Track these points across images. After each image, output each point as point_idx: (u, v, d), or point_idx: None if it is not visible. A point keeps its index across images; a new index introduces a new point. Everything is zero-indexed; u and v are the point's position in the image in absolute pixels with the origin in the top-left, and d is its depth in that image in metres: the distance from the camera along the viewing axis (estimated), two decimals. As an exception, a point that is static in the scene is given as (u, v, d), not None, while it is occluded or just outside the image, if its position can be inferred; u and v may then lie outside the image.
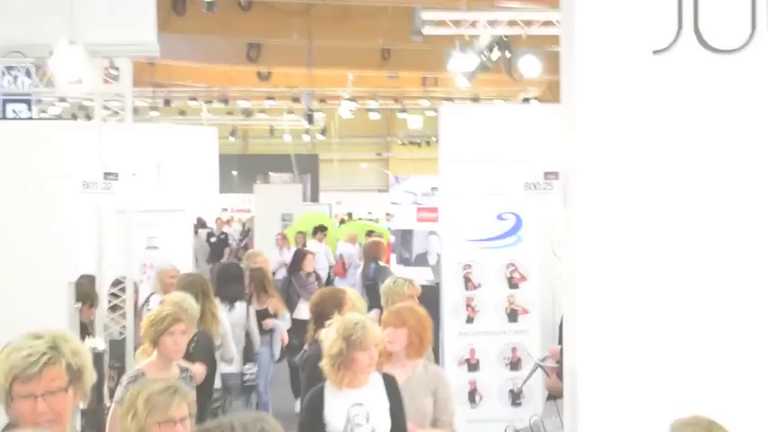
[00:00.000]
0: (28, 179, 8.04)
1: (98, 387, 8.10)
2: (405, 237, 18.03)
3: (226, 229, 31.48)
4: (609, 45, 5.69)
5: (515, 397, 11.79)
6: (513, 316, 11.86)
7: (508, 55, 19.04)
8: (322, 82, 33.53)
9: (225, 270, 11.96)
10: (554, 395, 9.73)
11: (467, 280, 11.88)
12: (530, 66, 19.70)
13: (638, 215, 5.68)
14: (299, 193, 32.13)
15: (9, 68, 11.88)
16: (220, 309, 10.96)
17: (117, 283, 11.38)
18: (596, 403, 5.71)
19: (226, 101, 36.30)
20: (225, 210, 37.72)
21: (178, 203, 15.70)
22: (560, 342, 8.38)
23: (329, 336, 6.38)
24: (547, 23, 16.33)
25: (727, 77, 5.68)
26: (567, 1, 5.95)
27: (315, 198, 44.08)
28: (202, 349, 8.46)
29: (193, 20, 25.55)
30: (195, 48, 29.78)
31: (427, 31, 17.27)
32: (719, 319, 5.66)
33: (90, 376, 4.28)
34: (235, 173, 48.18)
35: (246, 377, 10.98)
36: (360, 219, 36.59)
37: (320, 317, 8.17)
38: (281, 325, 12.80)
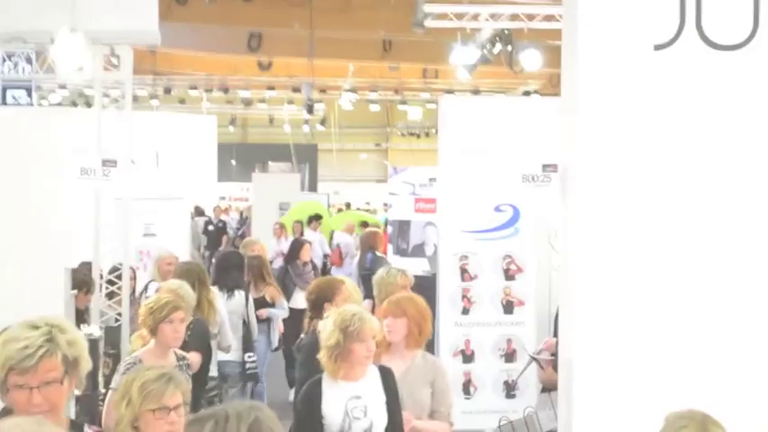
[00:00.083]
0: (26, 165, 8.02)
1: (93, 374, 8.11)
2: (402, 227, 18.03)
3: (224, 217, 31.49)
4: (610, 39, 5.68)
5: (510, 389, 11.81)
6: (508, 307, 11.87)
7: (509, 48, 19.05)
8: (322, 72, 33.51)
9: (225, 258, 11.94)
10: (548, 388, 9.74)
11: (463, 271, 11.89)
12: (531, 59, 19.73)
13: (636, 209, 5.68)
14: (298, 183, 32.13)
15: (10, 55, 11.89)
16: (219, 297, 10.97)
17: (114, 270, 11.39)
18: (591, 396, 5.71)
19: (226, 90, 36.30)
20: (223, 198, 37.72)
21: (176, 191, 15.71)
22: (556, 334, 8.39)
23: (326, 327, 6.35)
24: (548, 17, 16.33)
25: (728, 74, 5.67)
26: (569, -6, 5.96)
27: (313, 188, 44.14)
28: (197, 337, 8.46)
29: (195, 9, 25.54)
30: (196, 37, 29.75)
31: (429, 23, 17.27)
32: (716, 313, 5.66)
33: (86, 365, 4.28)
34: (233, 162, 48.19)
35: (248, 365, 10.98)
36: (358, 209, 36.62)
37: (317, 306, 8.18)
38: (279, 314, 12.80)
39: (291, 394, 13.82)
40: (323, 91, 37.44)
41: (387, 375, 6.49)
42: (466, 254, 11.86)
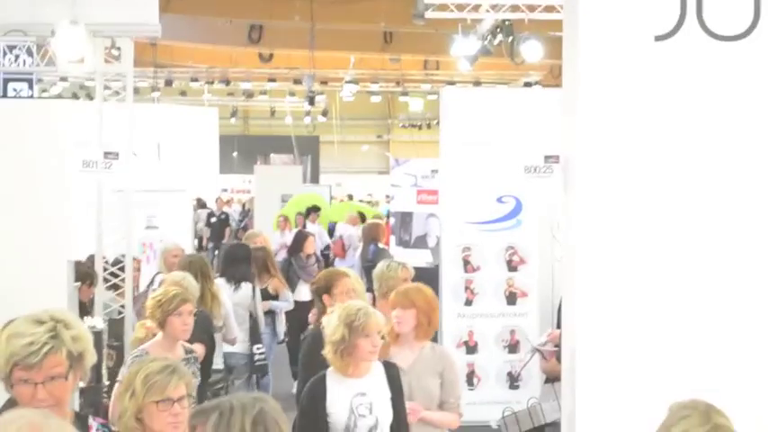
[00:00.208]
0: (28, 158, 8.02)
1: (97, 366, 8.11)
2: (404, 219, 18.05)
3: (226, 209, 31.49)
4: (611, 31, 5.68)
5: (513, 379, 11.84)
6: (511, 299, 11.90)
7: (510, 39, 19.02)
8: (324, 64, 33.48)
9: (232, 250, 11.92)
10: (551, 378, 9.75)
11: (466, 262, 11.92)
12: (532, 50, 19.68)
13: (637, 200, 5.68)
14: (299, 175, 32.08)
15: (11, 47, 11.88)
16: (225, 289, 10.97)
17: (117, 262, 11.40)
18: (594, 386, 5.72)
19: (227, 82, 36.24)
20: (225, 190, 37.70)
21: (178, 183, 15.70)
22: (559, 325, 8.40)
23: (331, 322, 6.28)
24: (549, 8, 16.27)
25: (729, 64, 5.67)
26: (570, -15, 5.95)
27: (315, 180, 44.08)
28: (200, 329, 8.44)
29: (195, 0, 25.54)
30: (197, 28, 29.74)
31: (429, 14, 17.22)
32: (718, 304, 5.66)
33: (90, 358, 4.29)
34: (235, 154, 48.16)
35: (257, 357, 10.97)
36: (360, 201, 36.62)
37: (317, 297, 8.18)
38: (281, 306, 12.79)
39: (294, 386, 13.87)
40: (324, 83, 37.38)
41: (391, 371, 6.46)
42: (468, 245, 11.89)
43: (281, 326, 12.91)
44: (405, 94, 39.35)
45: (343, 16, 27.79)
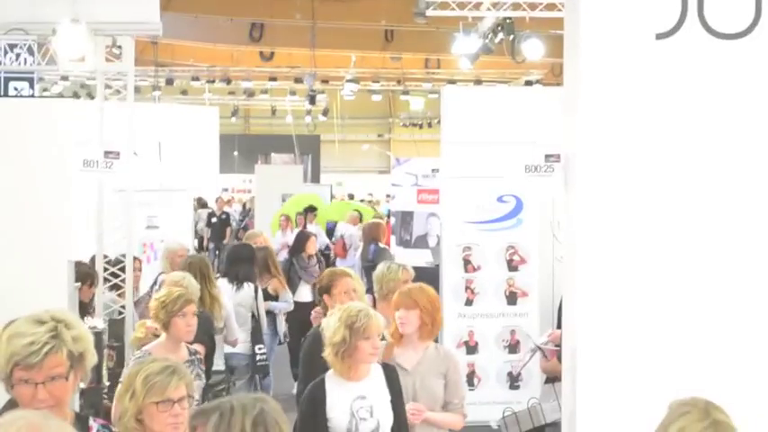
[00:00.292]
0: (29, 157, 8.02)
1: (97, 367, 8.09)
2: (405, 218, 18.04)
3: (227, 209, 31.47)
4: (612, 29, 5.67)
5: (514, 379, 11.83)
6: (512, 298, 11.90)
7: (511, 38, 19.02)
8: (324, 63, 33.46)
9: (235, 250, 11.93)
10: (551, 378, 9.75)
11: (466, 262, 11.91)
12: (533, 48, 19.69)
13: (638, 199, 5.68)
14: (300, 174, 32.08)
15: (11, 46, 11.88)
16: (228, 289, 10.98)
17: (118, 262, 11.38)
18: (595, 386, 5.71)
19: (228, 81, 36.22)
20: (225, 190, 37.69)
21: (178, 183, 15.68)
22: (559, 325, 8.39)
23: (330, 324, 6.25)
24: (550, 6, 16.28)
25: (730, 62, 5.67)
26: (571, -16, 5.95)
27: (316, 179, 44.06)
28: (201, 331, 8.43)
29: (197, -1, 25.56)
30: (198, 27, 29.74)
31: (430, 12, 17.23)
32: (719, 303, 5.66)
33: (91, 359, 4.28)
34: (236, 153, 48.16)
35: (258, 358, 10.97)
36: (362, 200, 36.59)
37: (319, 297, 8.17)
38: (280, 307, 12.78)
39: (295, 386, 13.86)
40: (325, 81, 37.37)
41: (390, 373, 6.43)
42: (469, 245, 11.89)
43: (281, 327, 12.90)
44: (406, 92, 39.32)
45: (344, 15, 27.80)
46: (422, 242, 17.52)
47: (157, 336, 8.39)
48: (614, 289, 5.68)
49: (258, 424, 3.47)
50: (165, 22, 11.67)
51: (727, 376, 5.49)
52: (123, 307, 11.14)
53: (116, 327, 10.37)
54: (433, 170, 17.89)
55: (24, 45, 11.82)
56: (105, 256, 11.44)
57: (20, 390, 4.10)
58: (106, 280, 11.31)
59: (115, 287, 11.42)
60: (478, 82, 32.36)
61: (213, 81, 36.53)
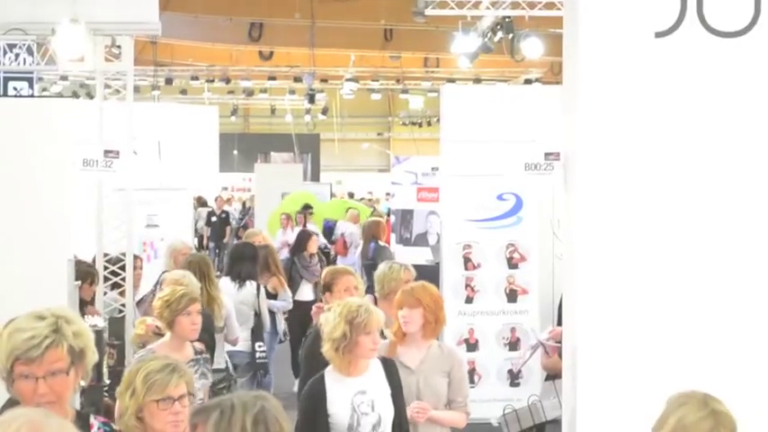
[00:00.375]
0: (29, 157, 8.02)
1: (98, 365, 8.09)
2: (405, 217, 18.04)
3: (226, 207, 31.48)
4: (611, 27, 5.68)
5: (514, 377, 11.83)
6: (512, 296, 11.90)
7: (510, 36, 19.04)
8: (324, 62, 33.48)
9: (238, 249, 11.94)
10: (552, 375, 9.75)
11: (466, 260, 11.91)
12: (532, 47, 19.71)
13: (638, 197, 5.68)
14: (300, 173, 32.09)
15: (11, 46, 11.89)
16: (230, 287, 11.00)
17: (118, 260, 11.39)
18: (596, 383, 5.72)
19: (227, 80, 36.23)
20: (225, 189, 37.70)
21: (178, 182, 15.69)
22: (559, 323, 8.39)
23: (330, 320, 6.23)
24: (549, 5, 16.29)
25: (730, 61, 5.67)
26: (570, -18, 5.95)
27: (315, 177, 44.07)
28: (201, 329, 8.42)
29: (195, -1, 25.56)
30: (197, 27, 29.75)
31: (430, 11, 17.24)
32: (719, 300, 5.66)
33: (92, 356, 4.28)
34: (235, 152, 48.16)
35: (258, 355, 10.98)
36: (362, 199, 36.61)
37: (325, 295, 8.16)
38: (278, 305, 12.78)
39: (296, 384, 13.85)
40: (324, 81, 37.38)
41: (390, 367, 6.43)
42: (469, 243, 11.90)
43: (281, 325, 12.90)
44: (405, 91, 39.33)
45: (344, 14, 27.80)
46: (422, 240, 17.51)
47: (158, 333, 8.39)
48: (614, 286, 5.69)
49: (259, 422, 3.48)
50: (164, 22, 11.68)
51: (727, 373, 5.50)
52: (123, 305, 11.15)
53: (116, 325, 10.37)
54: (432, 168, 17.91)
55: (24, 45, 11.83)
56: (105, 255, 11.44)
57: (20, 385, 4.10)
58: (106, 278, 11.31)
59: (116, 286, 11.42)
60: (478, 81, 32.36)
61: (212, 80, 36.54)
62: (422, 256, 16.29)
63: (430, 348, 6.96)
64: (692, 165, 5.67)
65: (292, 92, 38.56)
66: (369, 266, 16.25)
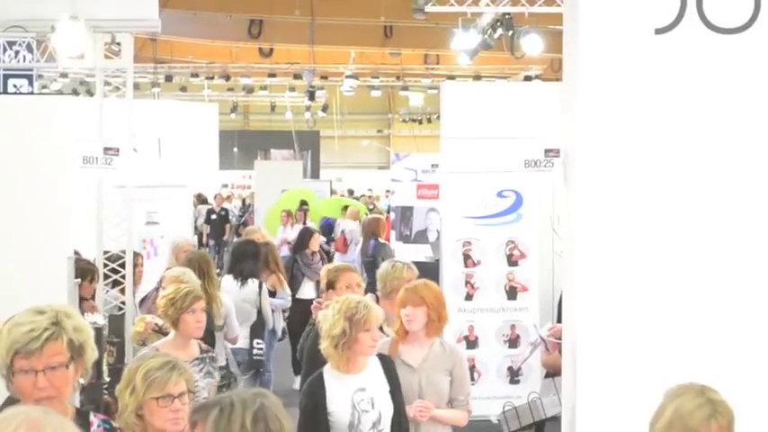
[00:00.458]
0: (28, 154, 8.01)
1: (97, 363, 8.08)
2: (405, 214, 18.03)
3: (226, 205, 31.46)
4: (611, 24, 5.68)
5: (514, 374, 11.83)
6: (512, 293, 11.89)
7: (510, 33, 19.03)
8: (324, 59, 33.50)
9: (240, 247, 11.95)
10: (551, 373, 9.75)
11: (466, 257, 11.91)
12: (532, 44, 19.69)
13: (638, 193, 5.68)
14: (300, 170, 32.09)
15: (11, 43, 11.87)
16: (233, 285, 11.02)
17: (118, 258, 11.38)
18: (595, 380, 5.72)
19: (227, 77, 36.23)
20: (225, 186, 37.70)
21: (178, 179, 15.69)
22: (559, 320, 8.39)
23: (328, 316, 6.22)
24: (549, 2, 16.28)
25: (730, 57, 5.67)
26: (570, -21, 5.95)
27: (315, 175, 44.09)
28: (199, 327, 8.41)
29: (195, -4, 25.56)
30: (197, 24, 29.75)
31: (429, 8, 17.24)
32: (719, 297, 5.67)
33: (92, 353, 4.28)
34: (235, 149, 48.17)
35: (255, 351, 10.98)
36: (363, 195, 36.61)
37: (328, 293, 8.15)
38: (278, 303, 12.77)
39: (296, 381, 13.85)
40: (324, 77, 37.42)
41: (387, 364, 6.41)
42: (469, 240, 11.89)
43: (279, 323, 12.90)
44: (405, 88, 39.35)
45: (343, 11, 27.80)
46: (421, 237, 17.51)
47: (157, 331, 8.37)
48: (614, 283, 5.69)
49: (258, 419, 3.48)
50: (164, 19, 11.67)
51: (727, 369, 5.50)
52: (123, 303, 11.14)
53: (116, 322, 10.36)
54: (432, 165, 17.89)
55: (23, 42, 11.81)
56: (105, 252, 11.43)
57: (20, 380, 4.10)
58: (106, 276, 11.31)
59: (117, 283, 11.41)
60: (478, 77, 32.34)
61: (212, 77, 36.56)
62: (422, 253, 16.29)
63: (432, 346, 6.93)
64: (692, 161, 5.67)
65: (292, 89, 38.61)
66: (368, 263, 16.27)
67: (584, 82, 5.72)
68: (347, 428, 6.16)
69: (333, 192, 36.15)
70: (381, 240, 17.13)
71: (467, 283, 11.92)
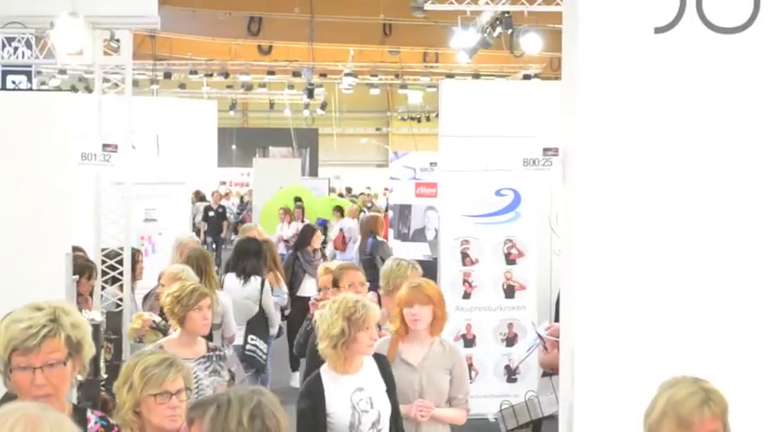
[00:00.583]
0: (27, 150, 8.00)
1: (95, 359, 8.08)
2: (403, 212, 18.03)
3: (224, 202, 31.45)
4: (611, 23, 5.67)
5: (511, 373, 11.83)
6: (509, 292, 11.89)
7: (510, 32, 19.02)
8: (323, 57, 33.47)
9: (243, 244, 11.95)
10: (549, 372, 9.75)
11: (464, 255, 11.90)
12: (531, 43, 19.68)
13: (636, 192, 5.68)
14: (298, 167, 32.07)
15: (10, 39, 11.87)
16: (236, 283, 11.03)
17: (117, 254, 11.38)
18: (593, 379, 5.72)
19: (226, 75, 36.21)
20: (223, 183, 37.70)
21: (176, 176, 15.69)
22: (557, 319, 8.39)
23: (326, 316, 6.17)
24: (548, 0, 16.28)
25: (729, 57, 5.67)
26: (569, -22, 5.94)
27: (314, 172, 44.10)
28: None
29: (194, -7, 25.53)
30: (196, 21, 29.72)
31: (429, 6, 17.22)
32: (717, 296, 5.66)
33: (89, 350, 4.28)
34: (234, 146, 48.17)
35: (248, 347, 10.97)
36: (361, 193, 36.60)
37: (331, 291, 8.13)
38: (274, 301, 12.75)
39: (293, 379, 13.87)
40: (323, 75, 37.39)
41: (383, 363, 6.38)
42: (467, 238, 11.89)
43: (277, 320, 12.89)
44: (404, 86, 39.32)
45: (343, 8, 27.76)
46: (420, 235, 17.50)
47: (155, 328, 8.37)
48: (612, 282, 5.69)
49: (255, 416, 3.48)
50: (163, 16, 11.67)
51: (725, 368, 5.49)
52: (121, 300, 11.14)
53: (114, 319, 10.37)
54: (431, 164, 17.89)
55: (22, 38, 11.81)
56: (103, 249, 11.44)
57: (18, 377, 4.10)
58: (104, 273, 11.31)
59: (115, 280, 11.41)
60: (477, 76, 32.33)
61: (211, 75, 36.56)
62: (420, 251, 16.29)
63: (432, 345, 6.90)
64: (690, 161, 5.67)
65: (291, 86, 38.59)
66: (366, 261, 16.26)
67: (583, 81, 5.72)
68: (347, 429, 6.13)
69: (331, 189, 36.16)
70: (379, 238, 17.12)
71: (465, 281, 11.92)
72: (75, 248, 10.63)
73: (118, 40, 11.26)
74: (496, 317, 11.94)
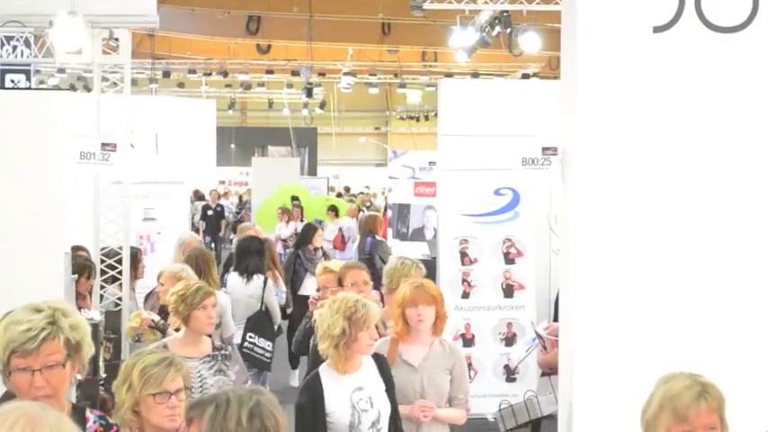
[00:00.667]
0: (25, 149, 7.99)
1: (94, 359, 8.07)
2: (402, 211, 18.03)
3: (222, 201, 31.43)
4: (610, 22, 5.67)
5: (510, 372, 11.83)
6: (508, 291, 11.89)
7: (508, 31, 19.03)
8: (321, 56, 33.45)
9: (245, 243, 11.95)
10: (548, 371, 9.75)
11: (463, 255, 11.90)
12: (530, 42, 19.69)
13: (635, 192, 5.68)
14: (297, 167, 32.05)
15: (8, 38, 11.87)
16: (238, 282, 11.06)
17: (117, 253, 11.38)
18: (592, 378, 5.72)
19: (225, 74, 36.19)
20: (222, 182, 37.69)
21: (175, 175, 15.68)
22: (556, 318, 8.38)
23: (325, 316, 6.14)
24: (547, -1, 16.31)
25: (728, 56, 5.67)
26: (568, -23, 5.94)
27: (313, 172, 44.08)
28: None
29: (193, -9, 25.53)
30: (195, 20, 29.71)
31: (428, 5, 17.23)
32: (716, 295, 5.67)
33: (88, 350, 4.28)
34: (232, 146, 48.17)
35: (245, 344, 10.96)
36: (361, 193, 36.59)
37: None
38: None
39: (292, 377, 13.87)
40: (322, 74, 37.35)
41: (382, 362, 6.37)
42: (466, 237, 11.89)
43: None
44: (403, 85, 39.28)
45: (341, 8, 27.75)
46: (418, 235, 17.52)
47: (153, 327, 8.35)
48: (611, 281, 5.69)
49: (254, 416, 3.48)
50: (162, 15, 11.67)
51: (724, 366, 5.49)
52: (120, 299, 11.13)
53: (113, 318, 10.35)
54: (429, 163, 17.90)
55: (21, 37, 11.83)
56: (102, 249, 11.43)
57: (17, 378, 4.10)
58: (103, 272, 11.30)
59: (115, 279, 11.41)
60: (475, 75, 32.32)
61: (210, 74, 36.54)
62: (418, 250, 16.29)
63: (432, 345, 6.88)
64: (689, 160, 5.67)
65: (290, 85, 38.55)
66: (366, 261, 16.25)
67: (582, 80, 5.72)
68: (347, 428, 6.12)
69: (330, 189, 36.15)
70: (378, 238, 17.12)
71: (464, 280, 11.92)
72: (78, 248, 10.65)
73: (117, 39, 11.26)
74: (495, 316, 11.94)
